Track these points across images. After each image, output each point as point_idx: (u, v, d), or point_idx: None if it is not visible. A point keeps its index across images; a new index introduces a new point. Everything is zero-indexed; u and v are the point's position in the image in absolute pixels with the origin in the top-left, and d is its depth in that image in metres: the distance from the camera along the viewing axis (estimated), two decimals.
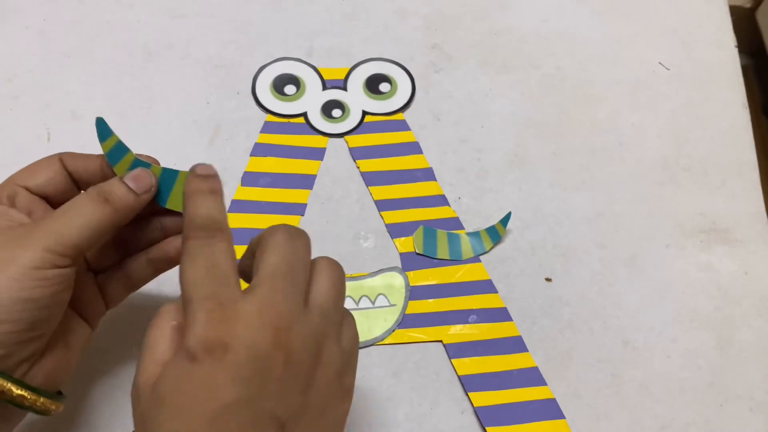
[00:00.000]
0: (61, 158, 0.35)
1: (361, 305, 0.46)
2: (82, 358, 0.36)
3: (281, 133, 0.52)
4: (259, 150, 0.51)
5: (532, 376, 0.44)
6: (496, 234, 0.48)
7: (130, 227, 0.35)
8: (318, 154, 0.52)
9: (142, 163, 0.35)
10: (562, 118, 0.53)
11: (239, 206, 0.49)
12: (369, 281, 0.47)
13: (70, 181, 0.35)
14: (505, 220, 0.48)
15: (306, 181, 0.50)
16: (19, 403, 0.30)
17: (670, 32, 0.57)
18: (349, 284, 0.46)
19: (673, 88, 0.54)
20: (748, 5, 1.14)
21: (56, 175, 0.34)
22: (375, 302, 0.46)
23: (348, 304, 0.46)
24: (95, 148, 0.36)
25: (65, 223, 0.30)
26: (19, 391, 0.30)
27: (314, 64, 0.54)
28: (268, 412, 0.27)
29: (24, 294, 0.29)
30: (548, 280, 0.47)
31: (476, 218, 0.49)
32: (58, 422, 0.41)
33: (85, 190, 0.34)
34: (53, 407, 0.32)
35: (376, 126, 0.53)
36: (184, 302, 0.28)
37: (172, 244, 0.36)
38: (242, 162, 0.50)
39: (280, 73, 0.54)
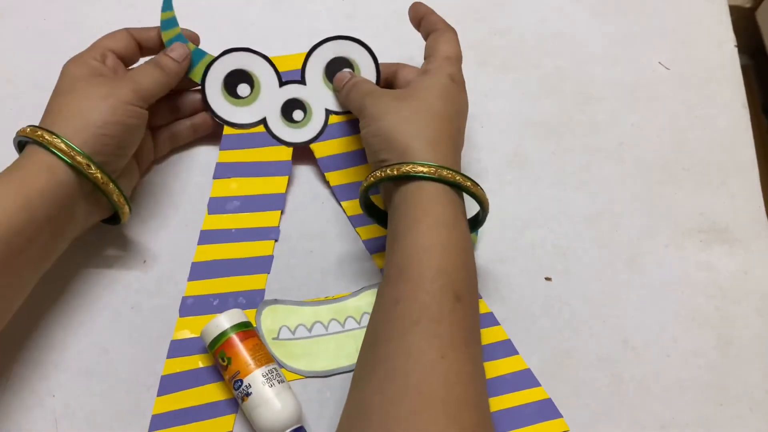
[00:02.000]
0: (128, 30, 0.47)
1: (347, 327, 0.45)
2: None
3: (241, 148, 0.48)
4: (221, 171, 0.48)
5: (525, 379, 0.43)
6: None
7: (179, 96, 0.49)
8: (284, 168, 0.48)
9: (183, 38, 0.47)
10: (562, 118, 0.53)
11: (208, 237, 0.46)
12: (352, 301, 0.45)
13: (137, 46, 0.47)
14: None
15: (276, 202, 0.47)
16: (109, 194, 0.42)
17: (670, 32, 0.57)
18: (331, 306, 0.45)
19: (673, 88, 0.54)
20: (748, 5, 1.14)
21: (130, 41, 0.47)
22: (360, 323, 0.45)
23: (333, 327, 0.45)
24: None
25: (140, 79, 0.44)
26: (111, 185, 0.42)
27: (265, 53, 0.49)
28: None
29: (118, 118, 0.42)
30: (548, 279, 0.47)
31: None
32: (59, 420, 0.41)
33: (143, 55, 0.48)
34: (125, 208, 0.43)
35: (343, 128, 0.49)
36: (449, 58, 0.45)
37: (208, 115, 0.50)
38: None
39: (229, 69, 0.48)
